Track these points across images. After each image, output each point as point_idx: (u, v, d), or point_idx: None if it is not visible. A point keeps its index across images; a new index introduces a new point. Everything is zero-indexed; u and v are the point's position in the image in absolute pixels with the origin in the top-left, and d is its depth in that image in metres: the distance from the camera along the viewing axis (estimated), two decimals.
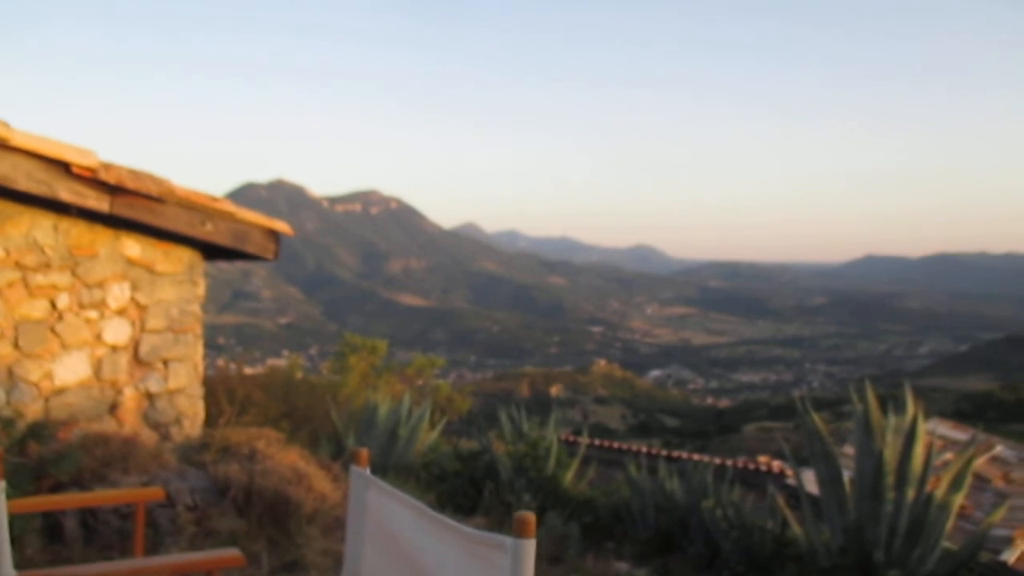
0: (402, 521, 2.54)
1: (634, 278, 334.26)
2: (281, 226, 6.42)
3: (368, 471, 2.97)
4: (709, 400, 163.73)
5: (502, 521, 7.53)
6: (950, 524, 6.25)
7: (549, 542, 6.98)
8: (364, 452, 3.05)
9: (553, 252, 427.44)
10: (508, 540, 1.98)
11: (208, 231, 5.87)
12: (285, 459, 5.27)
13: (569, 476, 9.70)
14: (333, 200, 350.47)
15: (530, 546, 1.98)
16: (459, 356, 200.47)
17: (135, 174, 5.24)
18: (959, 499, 6.19)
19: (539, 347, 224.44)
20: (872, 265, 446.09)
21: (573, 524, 7.64)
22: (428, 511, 2.39)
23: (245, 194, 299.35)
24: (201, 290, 6.47)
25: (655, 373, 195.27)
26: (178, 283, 6.24)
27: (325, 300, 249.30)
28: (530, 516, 2.03)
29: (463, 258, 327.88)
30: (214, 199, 5.87)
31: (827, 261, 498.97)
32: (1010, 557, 8.53)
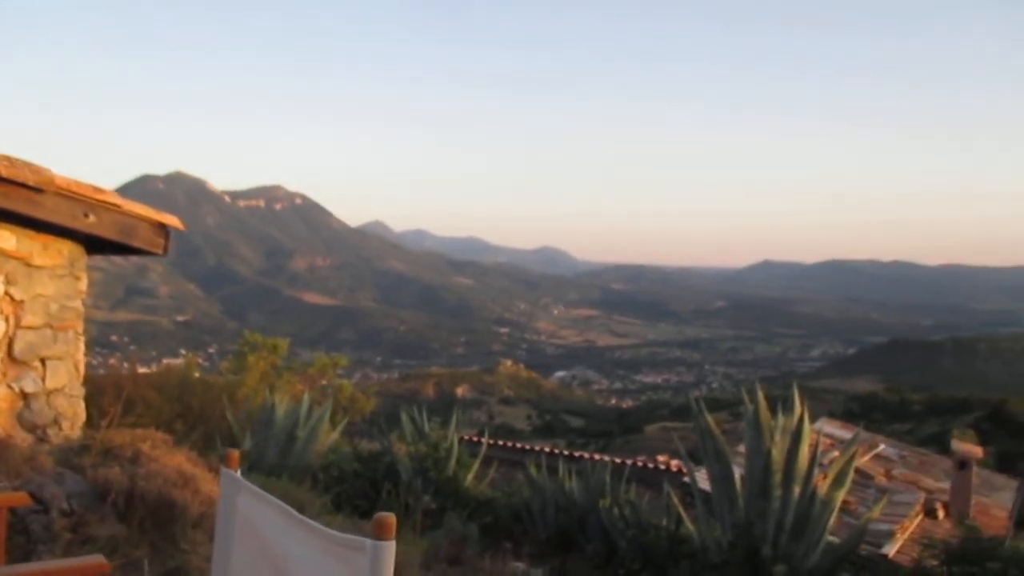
0: (270, 524, 2.48)
1: (540, 280, 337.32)
2: (171, 220, 6.17)
3: (239, 473, 2.87)
4: (613, 401, 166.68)
5: (401, 523, 7.44)
6: (833, 519, 6.51)
7: (448, 543, 6.93)
8: (235, 454, 2.94)
9: (460, 252, 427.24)
10: (368, 542, 1.96)
11: (91, 223, 5.58)
12: (171, 461, 5.06)
13: (470, 477, 9.68)
14: (235, 195, 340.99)
15: (389, 548, 1.97)
16: (365, 356, 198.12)
17: (10, 162, 4.94)
18: (842, 495, 6.45)
19: (445, 347, 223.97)
20: (769, 271, 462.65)
21: (472, 525, 7.62)
22: (294, 514, 2.33)
23: (141, 186, 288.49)
24: (84, 285, 6.15)
25: (560, 374, 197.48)
26: (58, 277, 5.92)
27: (225, 297, 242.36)
28: (389, 518, 2.01)
29: (370, 257, 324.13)
30: (98, 190, 5.58)
31: (726, 266, 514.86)
32: (890, 550, 8.93)
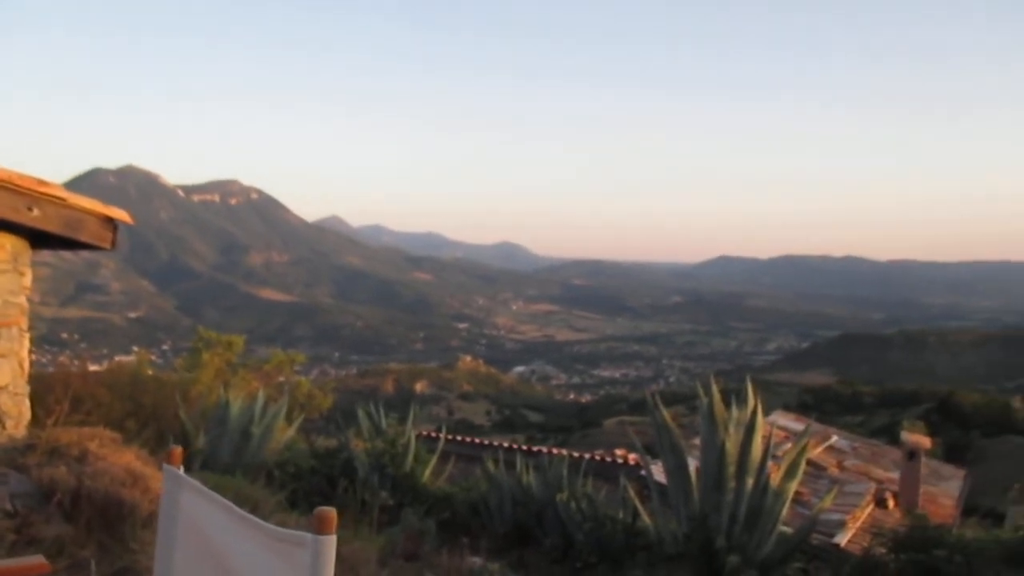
0: (213, 521, 2.45)
1: (499, 275, 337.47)
2: (119, 214, 6.03)
3: (182, 470, 2.82)
4: (571, 395, 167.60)
5: (358, 519, 7.40)
6: (786, 510, 6.61)
7: (405, 538, 6.91)
8: (177, 451, 2.89)
9: (419, 247, 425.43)
10: (309, 537, 1.96)
11: (35, 217, 5.44)
12: (120, 460, 4.96)
13: (427, 472, 9.65)
14: (189, 189, 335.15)
15: (330, 542, 1.97)
16: (322, 352, 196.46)
17: None
18: (794, 486, 6.55)
19: (404, 343, 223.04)
20: (725, 266, 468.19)
21: (430, 520, 7.60)
22: (236, 510, 2.30)
23: (91, 180, 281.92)
24: (28, 280, 5.99)
25: (519, 369, 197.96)
26: (1, 272, 5.76)
27: (179, 293, 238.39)
28: (330, 512, 2.01)
29: (327, 252, 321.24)
30: (42, 183, 5.43)
31: (683, 261, 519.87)
32: (842, 539, 9.10)
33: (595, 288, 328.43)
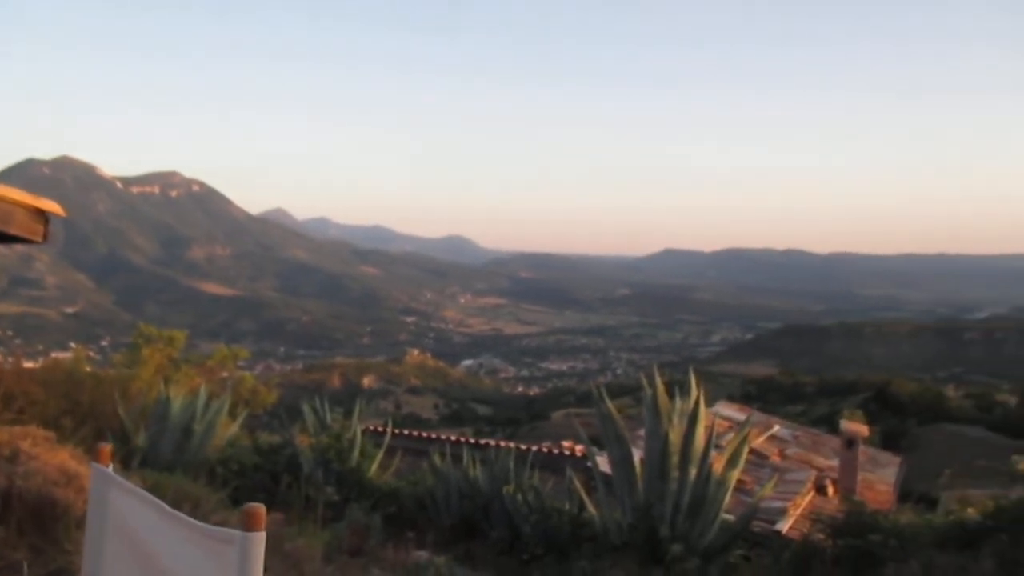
0: (141, 520, 2.41)
1: (447, 268, 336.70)
2: (49, 205, 5.84)
3: (111, 469, 2.76)
4: (520, 388, 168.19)
5: (303, 515, 7.32)
6: (729, 499, 6.73)
7: (350, 534, 6.86)
8: (106, 449, 2.82)
9: (366, 241, 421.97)
10: (237, 534, 1.95)
11: None
12: (53, 459, 4.83)
13: (374, 467, 9.60)
14: (128, 181, 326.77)
15: (259, 539, 1.96)
16: (267, 347, 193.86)
17: None
18: (736, 475, 6.66)
19: (351, 337, 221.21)
20: (670, 259, 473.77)
21: (376, 515, 7.55)
22: (166, 508, 2.27)
23: (25, 171, 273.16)
24: None
25: (468, 362, 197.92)
26: None
27: (119, 288, 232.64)
28: (259, 509, 1.99)
29: (271, 245, 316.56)
30: None
31: (629, 254, 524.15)
32: (784, 526, 9.30)
33: (543, 281, 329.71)
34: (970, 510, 6.32)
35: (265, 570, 5.73)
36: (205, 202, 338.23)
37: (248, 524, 1.95)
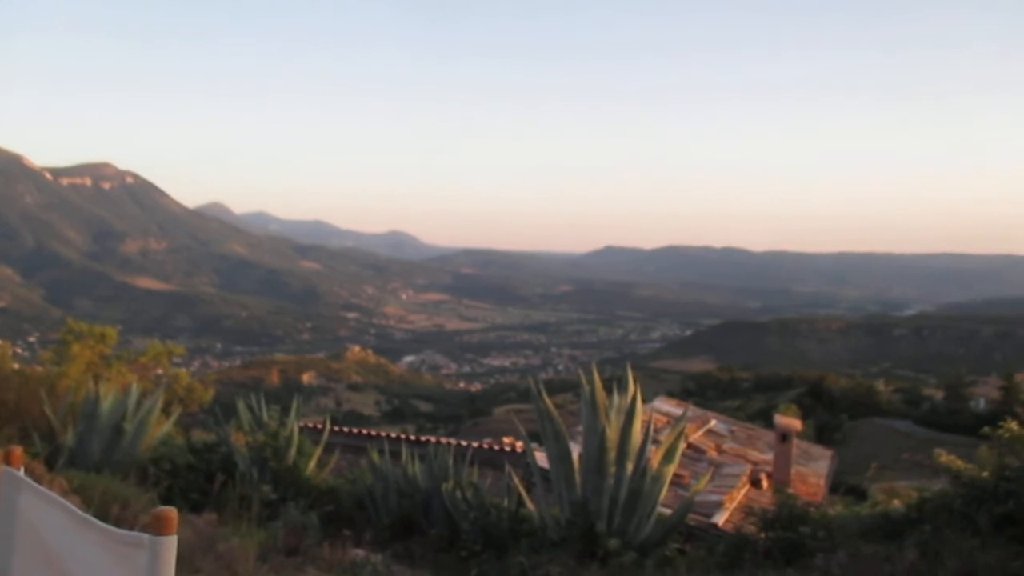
0: (53, 525, 2.36)
1: (389, 264, 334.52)
2: None
3: (22, 472, 2.68)
4: (462, 385, 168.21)
5: (239, 515, 7.21)
6: (665, 493, 6.82)
7: (286, 533, 6.77)
8: (18, 452, 2.75)
9: (306, 236, 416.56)
10: (146, 538, 1.92)
11: None
12: None
13: (312, 465, 9.48)
14: (57, 172, 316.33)
15: (169, 543, 1.93)
16: (204, 343, 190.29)
17: None
18: (672, 470, 6.77)
19: (290, 333, 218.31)
20: (611, 256, 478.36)
21: (312, 514, 7.47)
22: (76, 512, 2.23)
23: None
24: None
25: (409, 359, 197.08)
26: None
27: (47, 283, 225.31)
28: (169, 512, 1.97)
29: (208, 240, 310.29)
30: None
31: (571, 251, 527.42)
32: (720, 519, 9.48)
33: (485, 277, 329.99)
34: (895, 502, 6.53)
35: (197, 571, 5.63)
36: (139, 195, 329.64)
37: (158, 528, 1.92)
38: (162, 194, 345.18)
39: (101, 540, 2.05)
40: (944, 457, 6.05)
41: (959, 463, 5.91)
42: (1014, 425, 5.94)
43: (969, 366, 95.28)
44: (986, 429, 6.30)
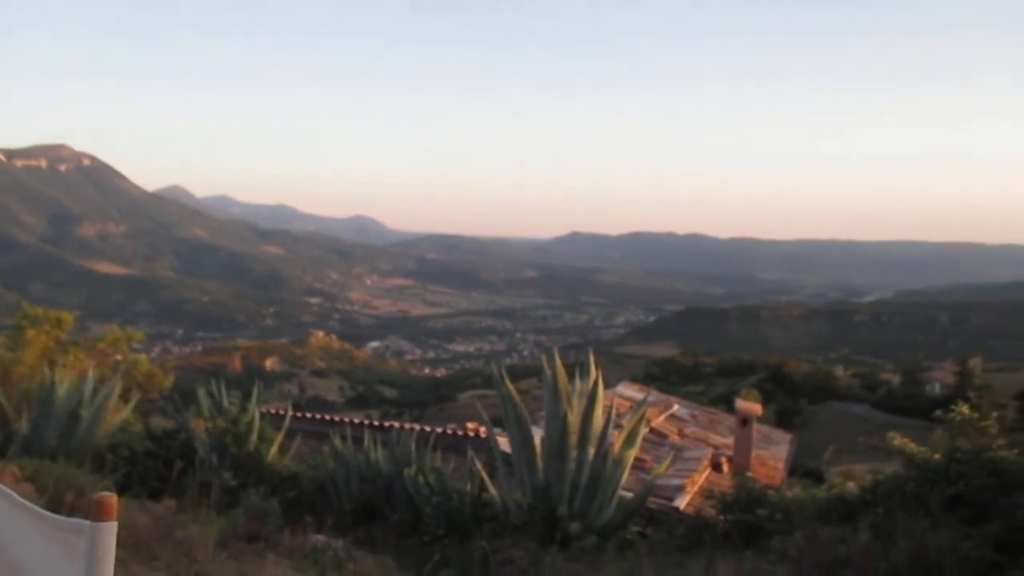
0: None
1: (353, 249, 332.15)
2: None
3: None
4: (426, 370, 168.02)
5: (199, 502, 7.14)
6: (626, 477, 6.88)
7: (247, 519, 6.72)
8: None
9: (268, 220, 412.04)
10: (86, 524, 1.92)
11: None
12: None
13: (273, 451, 9.42)
14: (12, 153, 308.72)
15: (109, 529, 1.94)
16: (165, 329, 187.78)
17: None
18: (633, 454, 6.82)
19: (253, 319, 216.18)
20: (577, 242, 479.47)
21: (273, 500, 7.42)
22: (16, 498, 2.20)
23: None
24: None
25: (374, 344, 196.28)
26: None
27: (2, 267, 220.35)
28: (109, 498, 1.97)
29: (169, 224, 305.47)
30: None
31: (537, 237, 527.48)
32: (681, 503, 9.59)
33: (450, 263, 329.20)
34: (851, 484, 6.65)
35: (155, 558, 5.57)
36: (97, 177, 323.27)
37: (99, 514, 1.91)
38: (121, 177, 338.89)
39: (42, 527, 2.04)
40: (898, 441, 6.17)
41: (912, 446, 6.03)
42: (965, 409, 6.08)
43: (926, 351, 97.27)
44: (938, 413, 6.44)
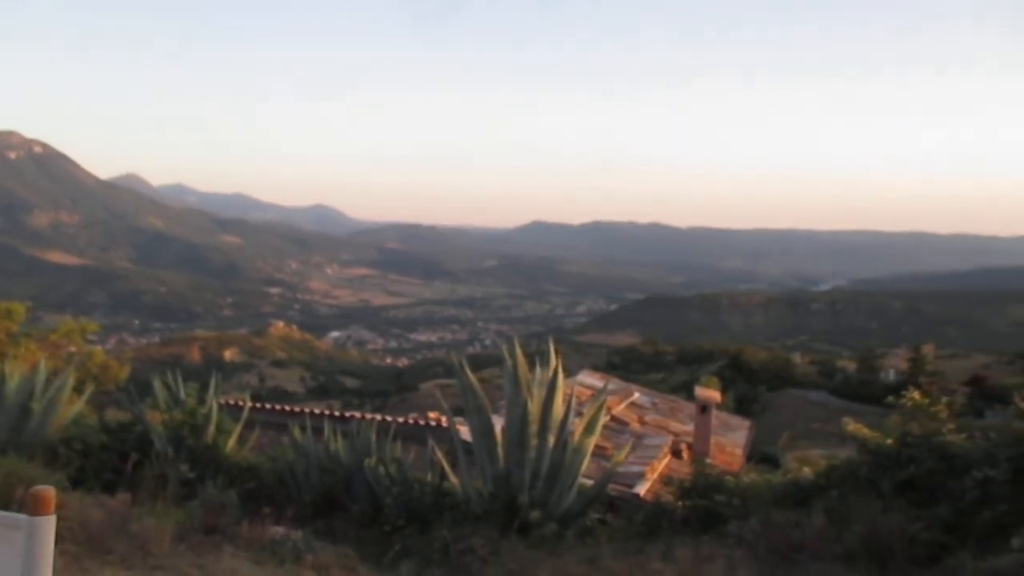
0: None
1: (313, 238, 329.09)
2: None
3: None
4: (388, 360, 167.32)
5: (155, 494, 7.05)
6: (586, 465, 6.93)
7: (204, 512, 6.64)
8: None
9: (226, 209, 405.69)
10: (23, 518, 1.90)
11: None
12: None
13: (231, 443, 9.31)
14: None
15: (47, 523, 1.91)
16: (120, 320, 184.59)
17: None
18: (593, 442, 6.87)
19: (211, 309, 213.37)
20: (538, 231, 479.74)
21: (231, 491, 7.34)
22: None
23: None
24: None
25: (335, 335, 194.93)
26: None
27: None
28: (46, 492, 1.94)
29: (124, 213, 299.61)
30: None
31: (498, 226, 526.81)
32: (641, 489, 9.69)
33: (411, 252, 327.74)
34: (806, 470, 6.78)
35: (109, 552, 5.49)
36: (48, 165, 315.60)
37: (36, 508, 1.88)
38: (73, 165, 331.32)
39: None
40: (852, 426, 6.30)
41: (865, 431, 6.15)
42: (916, 394, 6.21)
43: (880, 339, 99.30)
44: (890, 399, 6.57)
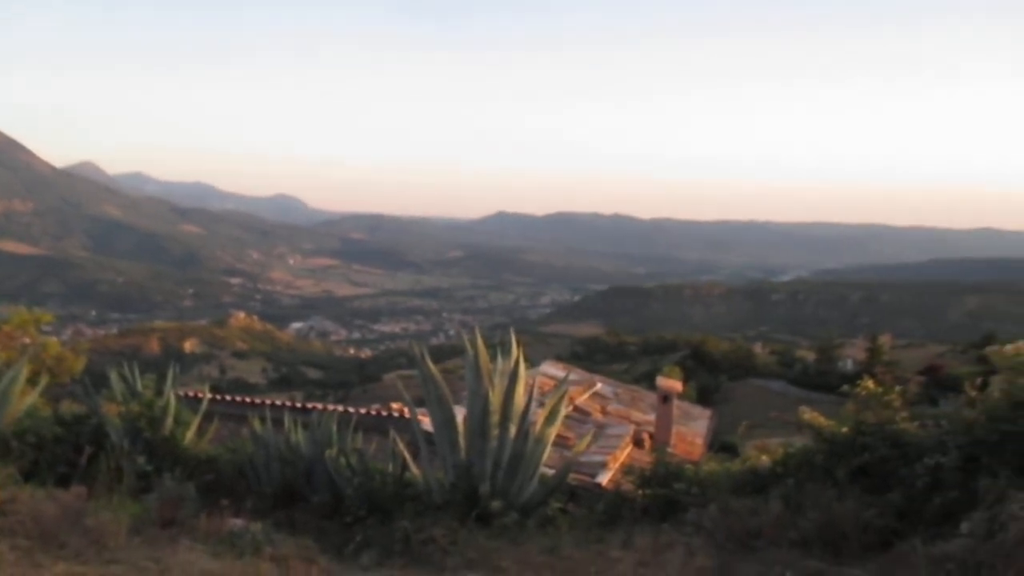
0: None
1: (275, 228, 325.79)
2: None
3: None
4: (351, 351, 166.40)
5: (111, 487, 6.94)
6: (547, 455, 6.96)
7: (161, 505, 6.56)
8: None
9: (186, 198, 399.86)
10: None
11: None
12: None
13: (190, 435, 9.20)
14: None
15: None
16: (76, 310, 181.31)
17: None
18: (554, 432, 6.90)
19: (171, 300, 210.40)
20: (503, 222, 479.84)
21: (189, 484, 7.25)
22: None
23: None
24: None
25: (297, 325, 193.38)
26: None
27: None
28: None
29: (80, 201, 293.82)
30: None
31: (463, 217, 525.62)
32: (604, 479, 9.76)
33: (374, 243, 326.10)
34: (763, 458, 6.87)
35: (63, 547, 5.41)
36: (1, 153, 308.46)
37: None
38: (27, 152, 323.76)
39: None
40: (808, 415, 6.39)
41: (821, 420, 6.25)
42: (871, 384, 6.32)
43: (838, 329, 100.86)
44: (846, 388, 6.68)
